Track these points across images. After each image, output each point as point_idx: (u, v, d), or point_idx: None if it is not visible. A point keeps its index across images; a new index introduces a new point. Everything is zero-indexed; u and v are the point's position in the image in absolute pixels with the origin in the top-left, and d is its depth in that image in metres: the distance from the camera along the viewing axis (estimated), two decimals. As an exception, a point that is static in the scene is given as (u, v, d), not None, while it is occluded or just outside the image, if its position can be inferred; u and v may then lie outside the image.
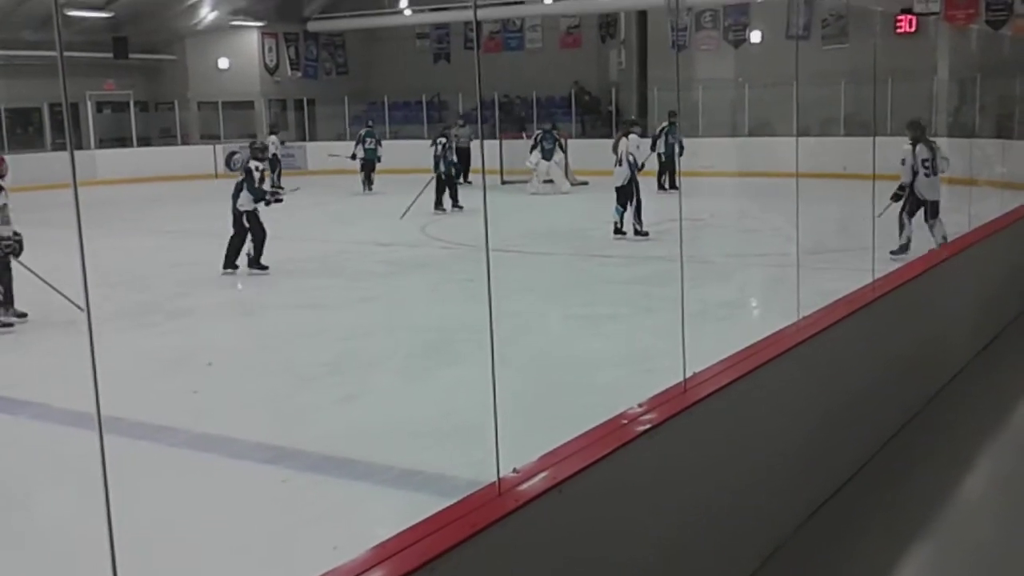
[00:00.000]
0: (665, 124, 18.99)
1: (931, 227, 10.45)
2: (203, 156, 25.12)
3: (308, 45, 29.61)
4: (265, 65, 28.73)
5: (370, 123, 22.61)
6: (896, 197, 10.57)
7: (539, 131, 20.11)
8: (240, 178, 11.39)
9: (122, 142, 25.84)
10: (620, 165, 13.23)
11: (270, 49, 28.79)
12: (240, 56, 28.36)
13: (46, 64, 22.18)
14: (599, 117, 26.39)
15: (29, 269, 8.97)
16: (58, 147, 24.89)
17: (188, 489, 5.11)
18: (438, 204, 16.77)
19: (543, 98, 26.29)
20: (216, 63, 28.11)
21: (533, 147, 19.69)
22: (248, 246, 11.22)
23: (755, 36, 24.45)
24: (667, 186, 18.67)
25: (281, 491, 5.07)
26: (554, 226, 15.11)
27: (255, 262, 11.33)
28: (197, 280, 10.93)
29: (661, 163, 18.62)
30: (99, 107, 26.11)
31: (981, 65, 19.71)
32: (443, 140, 17.22)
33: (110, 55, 24.35)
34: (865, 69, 16.07)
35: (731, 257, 11.61)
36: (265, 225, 11.30)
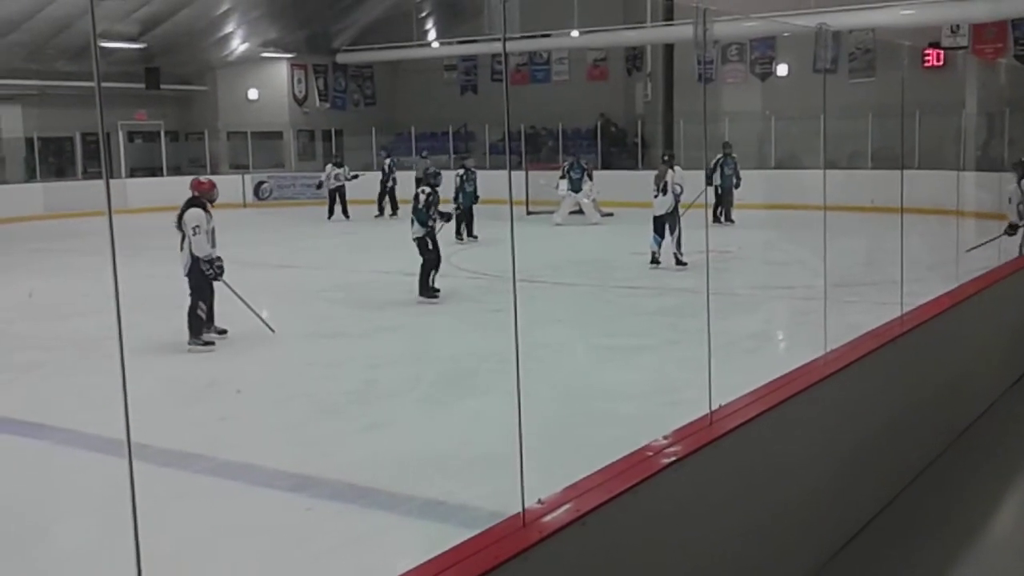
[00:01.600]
0: (720, 156, 18.96)
1: None
2: (232, 186, 25.33)
3: (337, 76, 29.90)
4: (294, 96, 29.02)
5: (384, 152, 23.11)
6: (1010, 233, 10.57)
7: (567, 162, 20.16)
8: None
9: (152, 171, 26.13)
10: (664, 194, 13.08)
11: (299, 80, 29.10)
12: (269, 87, 28.67)
13: (79, 94, 22.55)
14: (625, 149, 26.44)
15: (232, 290, 9.43)
16: (90, 175, 25.21)
17: (213, 516, 5.12)
18: (458, 234, 16.85)
19: (569, 130, 26.38)
20: (246, 94, 28.43)
21: (561, 177, 19.74)
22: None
23: (782, 69, 24.48)
24: (723, 219, 18.60)
25: (305, 520, 5.07)
26: (580, 257, 15.11)
27: (424, 287, 11.29)
28: (224, 308, 11.00)
29: (717, 196, 18.53)
30: (131, 137, 26.45)
31: (1010, 99, 19.62)
32: (462, 171, 17.33)
33: (142, 86, 24.71)
34: (892, 103, 16.02)
35: (757, 289, 11.56)
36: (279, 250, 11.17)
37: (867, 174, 20.07)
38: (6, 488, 5.63)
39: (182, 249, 9.23)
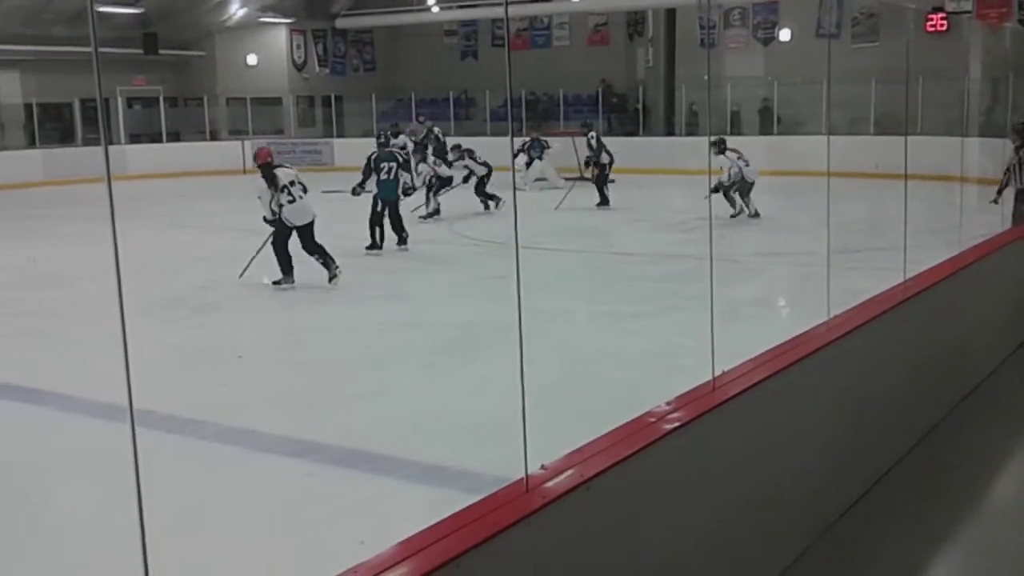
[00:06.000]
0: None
1: None
2: (231, 152, 25.22)
3: (336, 42, 29.70)
4: (293, 62, 28.84)
5: (423, 118, 22.93)
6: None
7: (526, 140, 20.22)
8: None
9: (152, 137, 26.04)
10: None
11: (298, 46, 28.90)
12: (268, 53, 28.49)
13: (77, 60, 22.36)
14: (626, 115, 26.32)
15: None
16: (89, 142, 25.09)
17: (216, 482, 5.13)
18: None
19: (570, 95, 26.24)
20: (245, 59, 28.25)
21: (519, 152, 19.67)
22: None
23: (784, 34, 24.31)
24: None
25: (307, 485, 5.08)
26: (581, 223, 15.07)
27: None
28: (223, 275, 10.99)
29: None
30: (129, 103, 26.32)
31: (1014, 64, 19.48)
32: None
33: (140, 51, 24.53)
34: (895, 68, 15.92)
35: (759, 256, 11.54)
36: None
37: (870, 140, 19.99)
38: (7, 454, 5.64)
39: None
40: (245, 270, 10.43)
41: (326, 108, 28.81)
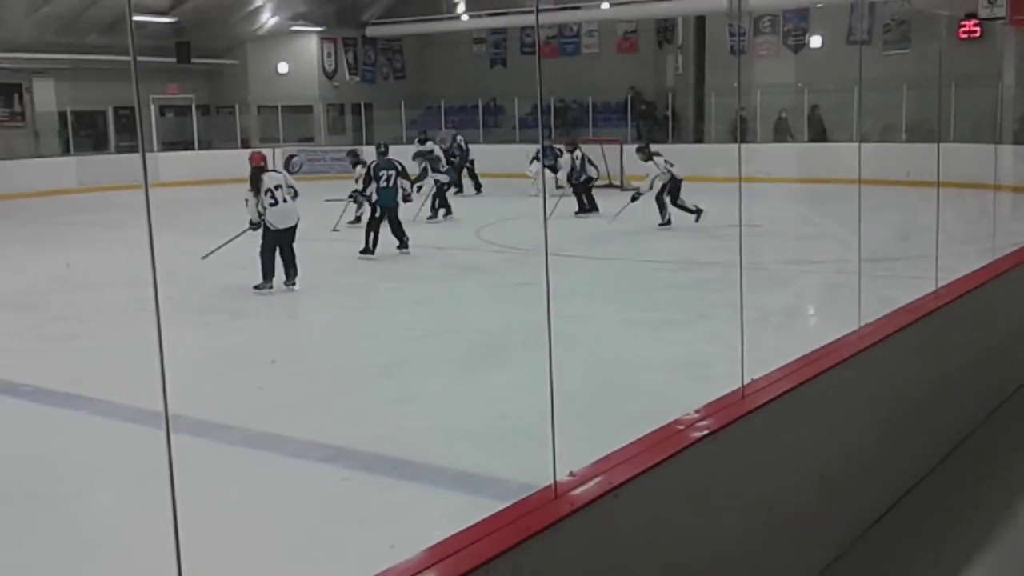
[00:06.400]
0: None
1: None
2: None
3: (366, 50, 29.86)
4: (324, 70, 29.03)
5: (454, 129, 23.10)
6: None
7: (540, 148, 20.34)
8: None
9: (184, 145, 26.28)
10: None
11: (329, 54, 29.09)
12: (299, 61, 28.69)
13: (111, 68, 22.68)
14: (655, 122, 26.26)
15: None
16: (122, 149, 25.39)
17: (249, 487, 5.18)
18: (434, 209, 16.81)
19: (599, 103, 26.22)
20: (276, 68, 28.47)
21: (533, 159, 19.74)
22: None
23: (815, 41, 24.17)
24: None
25: (338, 490, 5.11)
26: (607, 230, 15.05)
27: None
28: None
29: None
30: (162, 110, 26.58)
31: (1049, 71, 19.31)
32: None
33: (173, 59, 24.80)
34: (927, 75, 15.83)
35: (789, 264, 11.48)
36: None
37: (901, 147, 19.84)
38: (43, 457, 5.72)
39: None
40: (211, 253, 10.65)
41: (356, 116, 28.97)
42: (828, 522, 4.09)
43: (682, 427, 3.25)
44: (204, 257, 10.59)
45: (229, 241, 10.76)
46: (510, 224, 15.61)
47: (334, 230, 14.80)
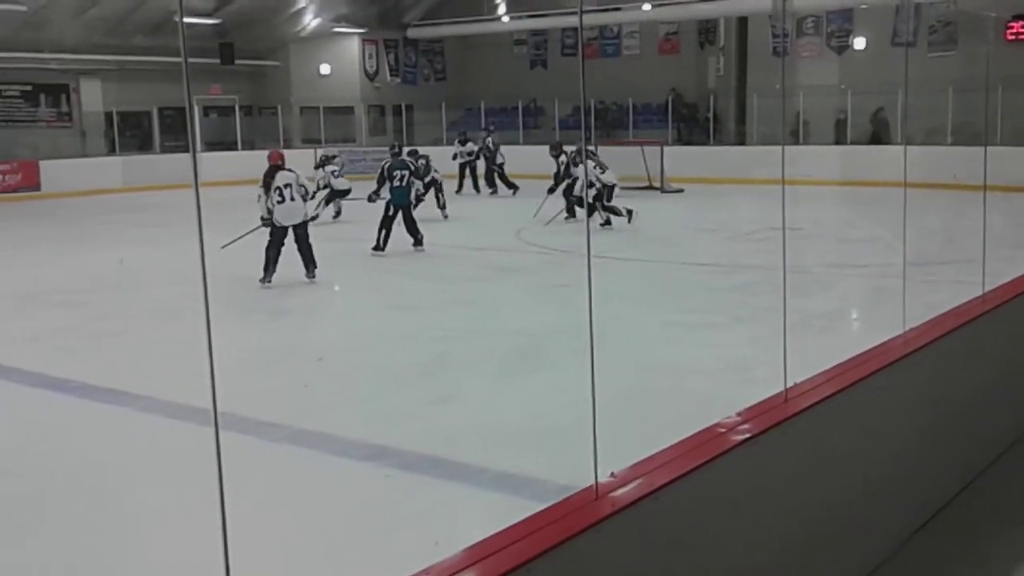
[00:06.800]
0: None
1: None
2: (304, 159, 25.63)
3: (407, 51, 30.01)
4: (365, 71, 29.20)
5: (489, 129, 23.17)
6: None
7: (576, 147, 20.43)
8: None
9: (227, 145, 26.56)
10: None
11: (370, 55, 29.27)
12: (341, 62, 28.90)
13: (157, 69, 23.02)
14: (696, 124, 26.15)
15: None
16: (167, 150, 25.73)
17: (293, 483, 5.24)
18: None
19: (639, 105, 26.14)
20: (318, 69, 28.69)
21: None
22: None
23: (859, 43, 23.92)
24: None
25: (381, 488, 5.15)
26: (649, 233, 15.01)
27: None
28: (295, 280, 11.19)
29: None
30: (206, 111, 26.89)
31: (1099, 72, 18.95)
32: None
33: (217, 61, 25.06)
34: (974, 77, 15.62)
35: (831, 267, 11.38)
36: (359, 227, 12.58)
37: (947, 150, 19.59)
38: (89, 452, 5.81)
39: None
40: (229, 244, 10.93)
41: (397, 117, 29.12)
42: (870, 528, 4.05)
43: (723, 430, 3.24)
44: (223, 247, 10.72)
45: (245, 235, 10.97)
46: (550, 225, 15.61)
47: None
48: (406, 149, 15.24)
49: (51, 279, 11.93)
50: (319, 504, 4.95)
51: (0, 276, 12.20)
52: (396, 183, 13.03)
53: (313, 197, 12.68)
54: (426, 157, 16.83)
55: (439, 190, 16.72)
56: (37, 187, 22.51)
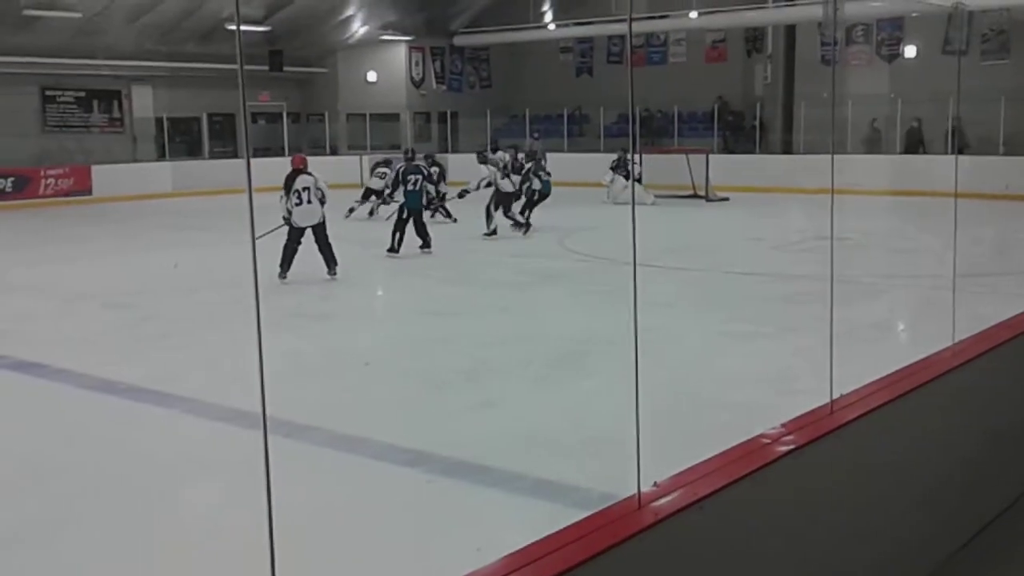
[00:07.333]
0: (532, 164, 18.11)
1: None
2: (351, 166, 25.84)
3: (454, 59, 30.15)
4: (411, 78, 29.38)
5: (536, 136, 23.33)
6: None
7: (617, 155, 20.99)
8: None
9: (275, 152, 26.84)
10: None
11: (417, 63, 29.44)
12: (388, 70, 29.10)
13: (207, 76, 23.32)
14: (742, 132, 25.97)
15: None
16: (216, 155, 26.06)
17: (336, 487, 5.27)
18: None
19: (685, 113, 26.04)
20: (365, 76, 28.92)
21: (613, 168, 20.63)
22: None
23: (910, 51, 23.63)
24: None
25: (423, 493, 5.17)
26: (694, 241, 14.94)
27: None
28: (338, 285, 11.27)
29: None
30: (254, 118, 27.20)
31: None
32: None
33: (266, 68, 25.37)
34: (1028, 85, 15.37)
35: (880, 277, 11.23)
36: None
37: (999, 160, 19.29)
38: (137, 454, 5.89)
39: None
40: (262, 235, 11.01)
41: (442, 124, 29.26)
42: (916, 543, 3.99)
43: (768, 441, 3.21)
44: (258, 237, 10.87)
45: (267, 233, 11.10)
46: (593, 233, 15.59)
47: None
48: (419, 155, 15.62)
49: (101, 282, 12.13)
50: (361, 508, 4.98)
51: (51, 278, 12.41)
52: (410, 187, 13.43)
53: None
54: (440, 164, 17.46)
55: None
56: (89, 191, 22.91)
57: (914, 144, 22.15)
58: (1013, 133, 20.08)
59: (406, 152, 14.81)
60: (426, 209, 14.23)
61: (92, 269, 13.27)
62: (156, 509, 5.07)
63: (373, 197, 17.57)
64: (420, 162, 14.37)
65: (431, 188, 14.23)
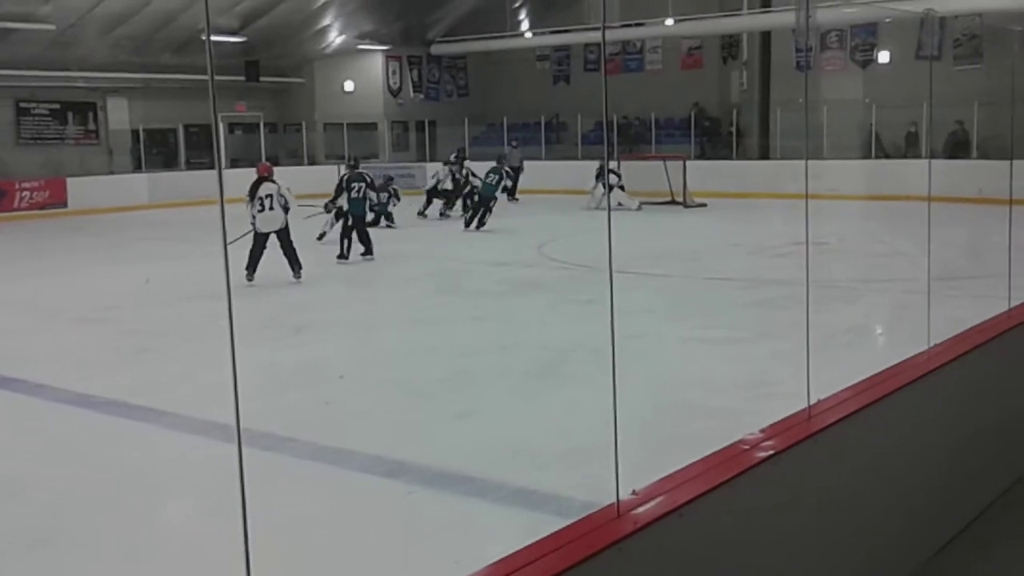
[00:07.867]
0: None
1: None
2: (328, 176, 25.74)
3: (431, 68, 30.15)
4: (389, 88, 29.35)
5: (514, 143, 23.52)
6: None
7: (599, 163, 21.14)
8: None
9: (251, 162, 26.68)
10: None
11: (394, 72, 29.42)
12: (365, 79, 29.06)
13: (182, 87, 23.21)
14: (719, 138, 26.10)
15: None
16: (192, 166, 25.93)
17: (316, 499, 5.23)
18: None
19: (662, 119, 26.13)
20: (342, 86, 28.87)
21: (597, 176, 20.61)
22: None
23: (883, 56, 23.82)
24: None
25: (403, 504, 5.15)
26: (672, 248, 14.99)
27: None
28: (317, 296, 11.23)
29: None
30: (231, 128, 27.09)
31: None
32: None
33: (242, 78, 25.28)
34: (999, 90, 15.53)
35: (856, 282, 11.31)
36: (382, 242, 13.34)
37: (972, 164, 19.45)
38: (115, 467, 5.84)
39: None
40: (233, 241, 11.10)
41: (420, 133, 29.23)
42: (895, 546, 4.01)
43: (747, 447, 3.22)
44: (229, 243, 10.88)
45: (236, 240, 11.23)
46: (571, 240, 15.61)
47: (318, 239, 15.51)
48: (379, 177, 16.53)
49: (77, 295, 12.04)
50: (341, 520, 4.95)
51: (27, 292, 12.31)
52: (353, 194, 13.86)
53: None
54: (396, 189, 18.53)
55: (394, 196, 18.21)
56: (64, 204, 22.75)
57: (959, 147, 21.92)
58: (986, 137, 20.26)
59: (349, 161, 15.28)
60: (370, 212, 14.86)
61: (68, 282, 13.17)
62: (134, 523, 5.03)
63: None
64: (363, 170, 14.77)
65: (373, 195, 14.67)
